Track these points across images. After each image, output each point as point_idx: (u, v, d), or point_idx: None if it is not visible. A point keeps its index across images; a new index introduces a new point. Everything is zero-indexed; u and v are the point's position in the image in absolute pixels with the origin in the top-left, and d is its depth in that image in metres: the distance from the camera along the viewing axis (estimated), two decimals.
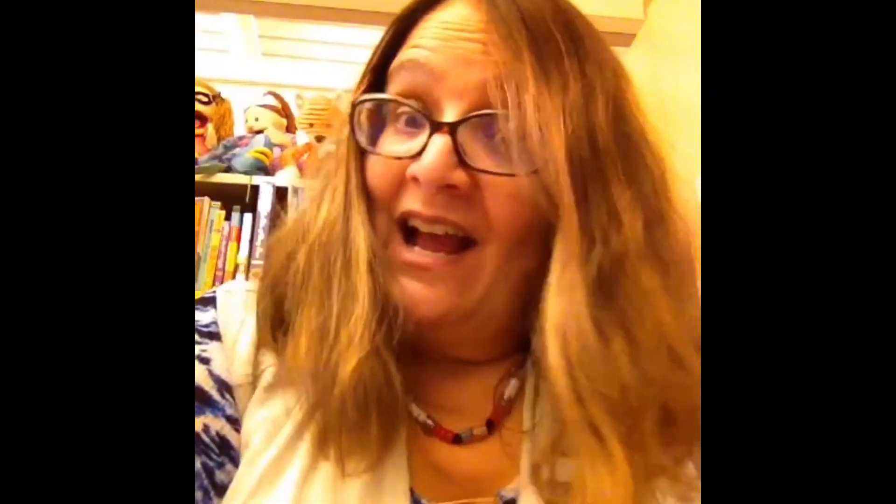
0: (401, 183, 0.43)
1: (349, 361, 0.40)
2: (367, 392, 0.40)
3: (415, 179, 0.41)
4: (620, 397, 0.37)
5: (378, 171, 0.44)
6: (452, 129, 0.41)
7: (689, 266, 0.43)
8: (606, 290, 0.39)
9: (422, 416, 0.45)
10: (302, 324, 0.42)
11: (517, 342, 0.47)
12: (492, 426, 0.46)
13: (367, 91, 0.46)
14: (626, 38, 1.68)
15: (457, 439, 0.45)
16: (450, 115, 0.41)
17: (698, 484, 0.40)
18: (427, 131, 0.41)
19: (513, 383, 0.47)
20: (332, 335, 0.41)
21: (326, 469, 0.41)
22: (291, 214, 0.49)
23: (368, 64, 0.47)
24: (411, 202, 0.42)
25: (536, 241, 0.42)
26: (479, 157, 0.41)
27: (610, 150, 0.41)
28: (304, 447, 0.41)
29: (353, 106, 0.45)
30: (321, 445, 0.41)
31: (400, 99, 0.43)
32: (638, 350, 0.38)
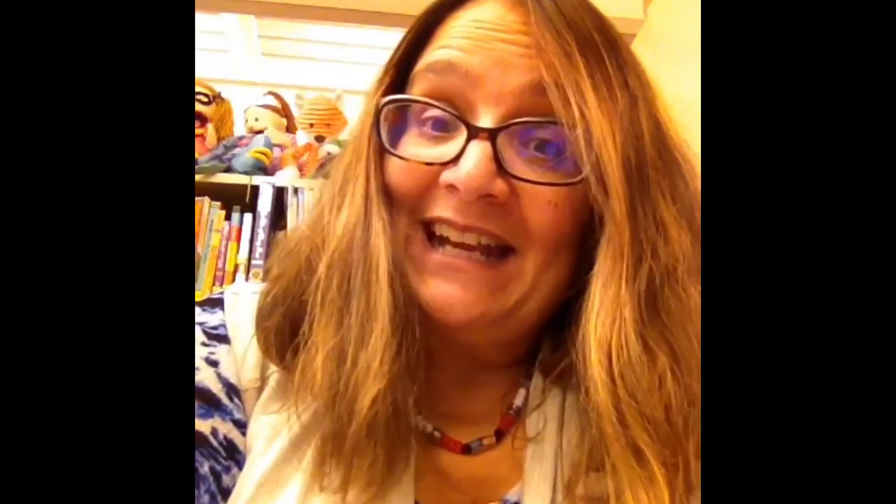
0: (429, 188, 0.41)
1: (368, 392, 0.38)
2: (382, 425, 0.38)
3: (450, 187, 0.39)
4: (664, 418, 0.36)
5: (403, 174, 0.42)
6: (493, 135, 0.39)
7: None
8: (652, 305, 0.38)
9: (429, 428, 0.45)
10: (318, 343, 0.40)
11: (530, 349, 0.47)
12: (500, 435, 0.45)
13: (388, 90, 0.44)
14: (626, 38, 1.67)
15: (465, 449, 0.45)
16: (486, 120, 0.39)
17: None
18: (463, 137, 0.40)
19: (521, 393, 0.46)
20: (349, 359, 0.39)
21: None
22: (296, 218, 0.47)
23: (390, 61, 0.45)
24: (442, 209, 0.41)
25: (573, 250, 0.41)
26: (516, 165, 0.40)
27: (655, 162, 0.40)
28: (308, 457, 0.41)
29: (379, 106, 0.43)
30: (320, 472, 0.39)
31: (436, 103, 0.41)
32: (681, 368, 0.37)
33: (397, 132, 0.44)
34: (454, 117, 0.40)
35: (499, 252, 0.41)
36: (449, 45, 0.41)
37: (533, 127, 0.40)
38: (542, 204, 0.40)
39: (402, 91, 0.44)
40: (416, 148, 0.42)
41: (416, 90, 0.43)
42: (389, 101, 0.43)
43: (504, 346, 0.46)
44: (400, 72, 0.45)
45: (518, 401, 0.46)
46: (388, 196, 0.43)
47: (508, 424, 0.46)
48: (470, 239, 0.41)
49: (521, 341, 0.46)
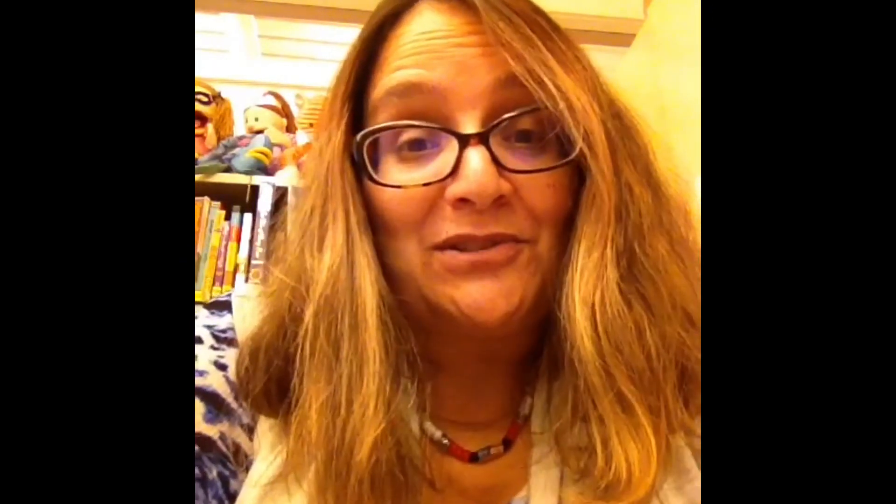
0: (431, 210, 0.40)
1: (365, 441, 0.36)
2: (385, 475, 0.37)
3: (461, 201, 0.39)
4: (646, 366, 0.38)
5: (402, 204, 0.41)
6: (484, 139, 0.39)
7: (687, 232, 0.44)
8: (627, 261, 0.40)
9: (437, 435, 0.44)
10: (310, 397, 0.38)
11: (535, 341, 0.46)
12: (508, 444, 0.45)
13: (350, 124, 0.43)
14: (626, 38, 1.68)
15: (473, 458, 0.44)
16: (469, 126, 0.39)
17: None
18: (451, 149, 0.39)
19: (527, 401, 0.46)
20: (343, 408, 0.37)
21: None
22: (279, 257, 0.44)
23: (342, 93, 0.44)
24: (455, 227, 0.39)
25: (568, 223, 0.41)
26: (510, 161, 0.40)
27: (617, 126, 0.42)
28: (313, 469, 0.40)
29: (358, 140, 0.42)
30: None
31: (420, 123, 0.40)
32: (655, 317, 0.39)
33: (373, 164, 0.42)
34: (444, 132, 0.40)
35: (514, 242, 0.41)
36: (404, 64, 0.41)
37: (512, 121, 0.40)
38: (542, 190, 0.40)
39: (361, 122, 0.44)
40: (401, 174, 0.41)
41: (383, 117, 0.42)
42: (369, 133, 0.42)
43: (515, 338, 0.45)
44: (354, 101, 0.44)
45: (525, 409, 0.46)
46: (383, 229, 0.42)
47: (516, 433, 0.45)
48: (489, 244, 0.40)
49: (530, 329, 0.45)
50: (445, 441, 0.44)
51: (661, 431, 0.38)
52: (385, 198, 0.41)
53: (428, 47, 0.41)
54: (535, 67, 0.39)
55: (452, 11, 0.41)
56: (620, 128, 0.42)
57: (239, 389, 0.43)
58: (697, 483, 0.42)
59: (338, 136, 0.43)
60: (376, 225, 0.42)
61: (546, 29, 0.41)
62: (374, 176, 0.41)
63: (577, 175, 0.41)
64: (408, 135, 0.41)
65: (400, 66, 0.41)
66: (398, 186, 0.41)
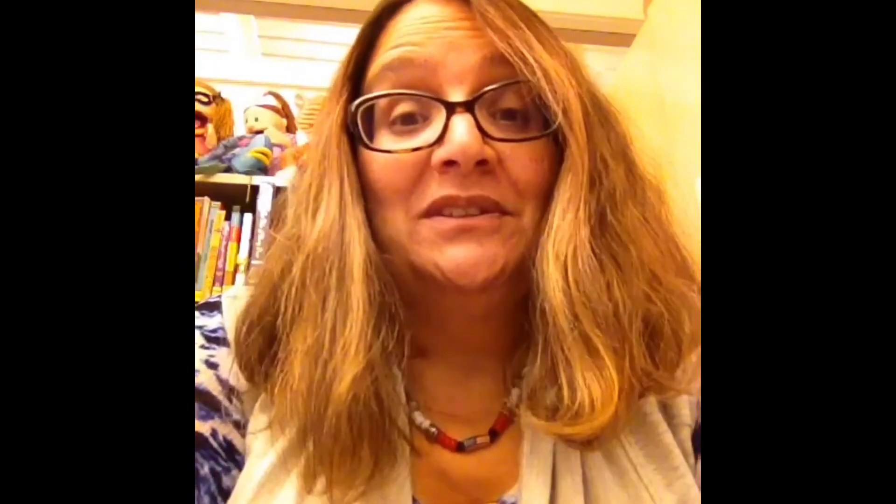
0: (420, 177, 0.42)
1: (344, 377, 0.38)
2: (363, 412, 0.39)
3: (447, 164, 0.41)
4: (611, 311, 0.40)
5: (391, 170, 0.43)
6: (469, 106, 0.41)
7: (660, 207, 0.47)
8: (600, 225, 0.42)
9: (425, 424, 0.45)
10: (295, 344, 0.41)
11: (520, 332, 0.46)
12: (494, 435, 0.46)
13: (348, 101, 0.46)
14: (626, 38, 1.68)
15: (460, 447, 0.45)
16: (457, 97, 0.42)
17: (688, 388, 0.44)
18: (440, 119, 0.42)
19: (514, 392, 0.47)
20: (326, 350, 0.39)
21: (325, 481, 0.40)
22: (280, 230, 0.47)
23: (343, 74, 0.47)
24: (442, 189, 0.42)
25: (549, 199, 0.43)
26: (495, 132, 0.42)
27: (595, 107, 0.45)
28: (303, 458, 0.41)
29: (353, 108, 0.45)
30: (307, 476, 0.39)
31: (411, 91, 0.43)
32: (623, 272, 0.41)
33: (368, 136, 0.45)
34: (430, 99, 0.43)
35: (499, 214, 0.43)
36: (400, 43, 0.44)
37: (494, 95, 0.43)
38: (525, 163, 0.43)
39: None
40: (392, 145, 0.44)
41: (378, 90, 0.45)
42: (363, 101, 0.44)
43: (501, 319, 0.47)
44: (354, 83, 0.47)
45: (512, 401, 0.46)
46: (374, 198, 0.44)
47: (503, 425, 0.46)
48: (473, 211, 0.42)
49: (515, 308, 0.47)
50: (434, 430, 0.45)
51: (623, 372, 0.39)
52: (376, 166, 0.44)
53: (422, 29, 0.44)
54: (518, 46, 0.42)
55: (447, 4, 0.45)
56: (598, 110, 0.45)
57: (237, 360, 0.44)
58: (688, 479, 0.43)
59: (336, 111, 0.46)
60: (367, 194, 0.45)
61: (529, 16, 0.45)
62: (367, 142, 0.44)
63: (559, 154, 0.44)
64: (400, 108, 0.44)
65: (395, 45, 0.44)
66: (388, 151, 0.43)
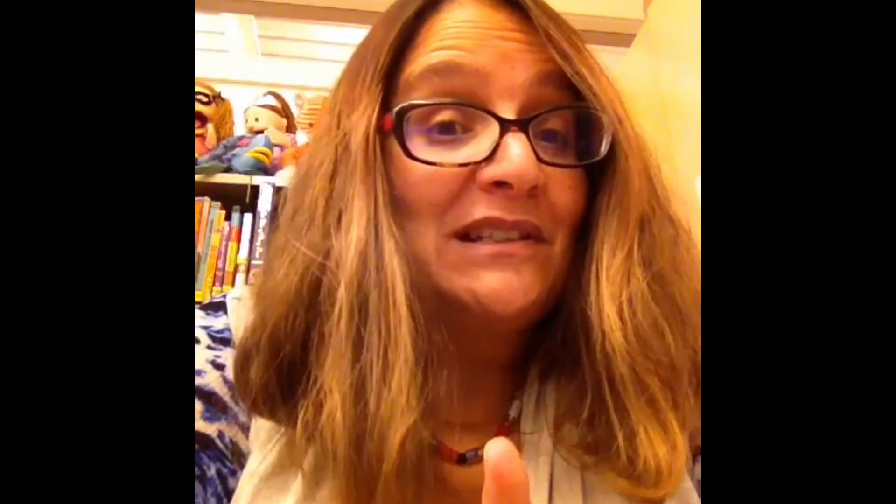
0: (461, 193, 0.40)
1: (398, 431, 0.35)
2: (413, 466, 0.36)
3: (497, 184, 0.39)
4: (668, 361, 0.38)
5: (431, 182, 0.40)
6: (524, 126, 0.40)
7: (691, 247, 0.44)
8: (650, 266, 0.40)
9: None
10: (330, 384, 0.36)
11: (524, 344, 0.46)
12: None
13: (384, 101, 0.42)
14: (626, 38, 1.68)
15: (461, 459, 0.44)
16: (508, 114, 0.40)
17: None
18: (490, 133, 0.40)
19: (515, 404, 0.46)
20: (373, 396, 0.36)
21: (329, 487, 0.39)
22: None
23: (378, 71, 0.43)
24: (487, 209, 0.39)
25: (578, 228, 0.43)
26: (543, 155, 0.40)
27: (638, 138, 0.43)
28: (308, 459, 0.40)
29: (401, 113, 0.41)
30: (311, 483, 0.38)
31: (465, 101, 0.40)
32: (677, 315, 0.40)
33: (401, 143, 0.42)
34: (485, 113, 0.40)
35: (534, 241, 0.41)
36: (447, 45, 0.41)
37: (546, 117, 0.41)
38: (564, 189, 0.41)
39: (389, 101, 0.43)
40: (431, 156, 0.40)
41: (418, 95, 0.41)
42: (411, 107, 0.41)
43: (513, 338, 0.46)
44: (388, 81, 0.43)
45: (513, 412, 0.46)
46: (403, 210, 0.41)
47: (504, 436, 0.45)
48: (514, 235, 0.41)
49: (525, 332, 0.46)
50: (434, 442, 0.44)
51: (682, 427, 0.38)
52: (413, 178, 0.41)
53: (471, 34, 0.41)
54: (580, 68, 0.41)
55: (495, 9, 0.43)
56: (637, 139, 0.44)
57: (237, 390, 0.41)
58: (687, 484, 0.42)
59: (367, 111, 0.42)
60: (395, 205, 0.41)
61: (580, 39, 0.43)
62: (412, 151, 0.40)
63: (590, 182, 0.43)
64: (441, 116, 0.41)
65: (441, 47, 0.42)
66: (434, 164, 0.40)
